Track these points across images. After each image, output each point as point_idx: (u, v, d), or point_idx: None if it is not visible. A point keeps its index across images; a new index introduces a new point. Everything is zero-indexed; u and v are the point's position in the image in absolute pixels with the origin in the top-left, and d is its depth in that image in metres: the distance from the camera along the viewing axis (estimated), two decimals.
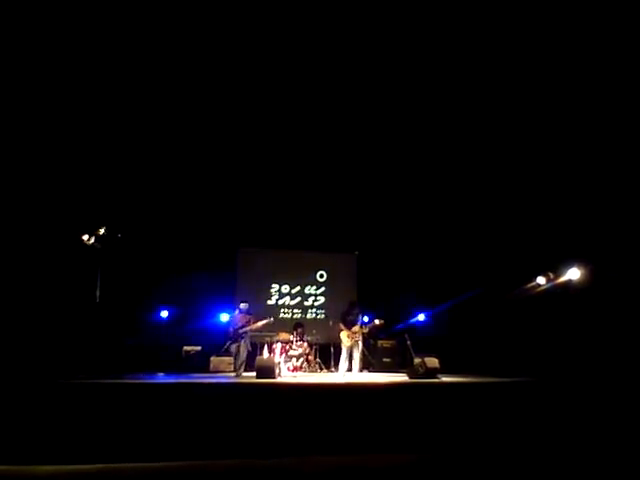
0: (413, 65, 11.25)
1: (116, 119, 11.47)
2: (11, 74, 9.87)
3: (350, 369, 11.56)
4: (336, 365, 12.69)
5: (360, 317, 11.71)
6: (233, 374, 11.63)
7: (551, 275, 13.12)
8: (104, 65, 10.49)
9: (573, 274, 12.70)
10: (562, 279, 12.93)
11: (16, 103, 10.23)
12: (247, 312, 11.60)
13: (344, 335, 11.62)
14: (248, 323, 11.42)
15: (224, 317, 13.14)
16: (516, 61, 10.88)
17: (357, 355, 11.60)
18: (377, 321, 11.73)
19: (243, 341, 11.36)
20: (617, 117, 11.20)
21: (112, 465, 5.87)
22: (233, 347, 11.40)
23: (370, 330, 11.87)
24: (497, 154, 12.60)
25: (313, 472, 5.92)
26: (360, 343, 11.61)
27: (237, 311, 11.70)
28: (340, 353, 12.34)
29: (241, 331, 11.36)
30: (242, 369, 11.11)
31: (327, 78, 11.43)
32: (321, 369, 12.68)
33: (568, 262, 12.76)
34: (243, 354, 11.26)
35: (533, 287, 13.40)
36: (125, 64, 10.61)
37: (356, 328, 11.56)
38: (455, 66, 11.24)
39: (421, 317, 13.10)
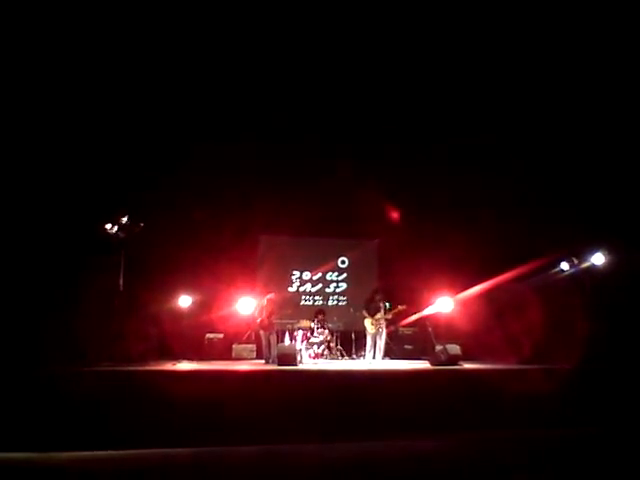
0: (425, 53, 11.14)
1: (136, 108, 11.50)
2: (25, 61, 9.93)
3: (374, 356, 11.58)
4: (357, 352, 12.73)
5: (383, 304, 11.68)
6: (261, 362, 11.76)
7: (575, 260, 12.95)
8: (121, 52, 10.51)
9: (597, 259, 12.52)
10: (586, 264, 12.76)
11: (38, 94, 10.31)
12: (274, 302, 11.91)
13: (368, 322, 11.59)
14: (273, 313, 11.73)
15: (246, 305, 13.17)
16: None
17: (381, 342, 11.60)
18: (400, 307, 11.71)
19: (274, 331, 11.70)
20: None
21: (136, 451, 5.95)
22: (265, 336, 11.62)
23: (394, 316, 11.85)
24: (519, 140, 12.44)
25: (336, 458, 5.95)
26: (384, 330, 11.60)
27: (266, 301, 11.86)
28: (360, 340, 12.38)
29: (272, 321, 11.64)
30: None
31: (346, 62, 11.32)
32: (342, 356, 12.70)
33: (592, 247, 12.59)
34: (275, 344, 11.49)
35: (557, 273, 13.24)
36: (147, 50, 10.64)
37: (379, 315, 11.54)
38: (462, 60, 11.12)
39: (443, 303, 12.98)
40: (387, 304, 11.70)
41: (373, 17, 10.61)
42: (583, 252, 12.80)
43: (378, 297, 11.77)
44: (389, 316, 11.65)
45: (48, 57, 10.07)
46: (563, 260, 13.09)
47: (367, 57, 11.29)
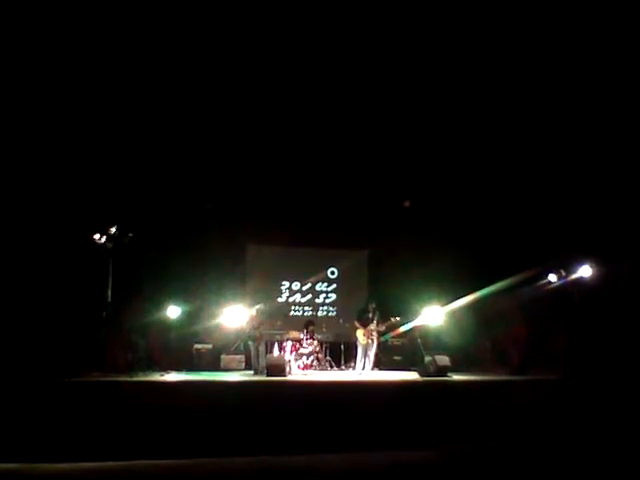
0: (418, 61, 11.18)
1: (124, 118, 11.47)
2: (19, 71, 9.91)
3: (364, 367, 11.56)
4: (346, 363, 12.70)
5: (376, 315, 11.67)
6: (249, 373, 11.72)
7: (563, 272, 13.03)
8: (114, 62, 10.49)
9: (585, 271, 12.60)
10: (574, 276, 12.84)
11: (25, 102, 10.27)
12: (262, 313, 11.93)
13: (360, 333, 11.54)
14: (262, 323, 11.76)
15: (234, 315, 13.10)
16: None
17: (372, 354, 11.58)
18: (393, 319, 11.71)
19: (263, 342, 11.73)
20: (629, 115, 11.08)
21: (124, 463, 5.90)
22: (254, 347, 11.62)
23: (387, 328, 11.84)
24: (506, 151, 12.52)
25: (324, 469, 5.93)
26: (375, 341, 11.59)
27: (255, 311, 11.85)
28: (350, 350, 12.36)
29: (261, 331, 11.67)
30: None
31: (329, 74, 11.34)
32: (331, 367, 12.67)
33: (580, 259, 12.68)
34: (263, 354, 11.50)
35: (544, 284, 13.31)
36: (135, 62, 10.61)
37: (372, 326, 11.52)
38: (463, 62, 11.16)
39: (432, 314, 12.99)
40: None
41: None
42: (571, 264, 12.88)
43: (372, 307, 11.75)
44: (382, 328, 11.63)
45: (37, 71, 10.07)
46: (551, 272, 13.17)
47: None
